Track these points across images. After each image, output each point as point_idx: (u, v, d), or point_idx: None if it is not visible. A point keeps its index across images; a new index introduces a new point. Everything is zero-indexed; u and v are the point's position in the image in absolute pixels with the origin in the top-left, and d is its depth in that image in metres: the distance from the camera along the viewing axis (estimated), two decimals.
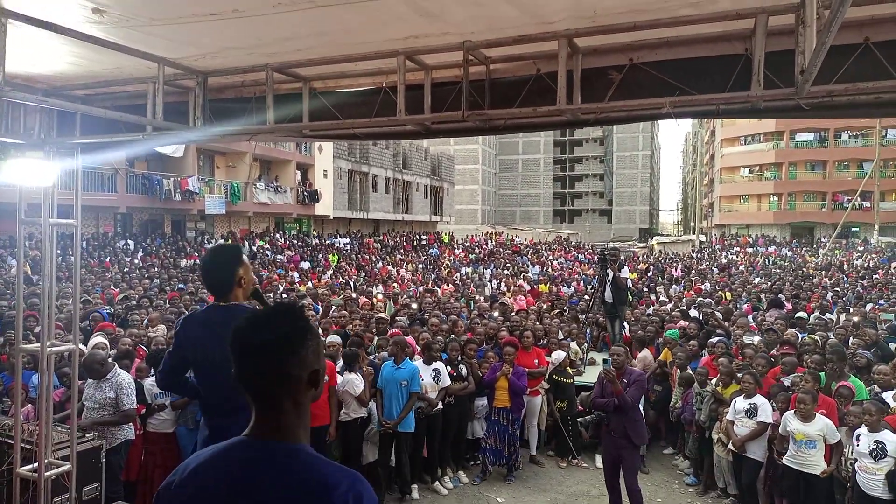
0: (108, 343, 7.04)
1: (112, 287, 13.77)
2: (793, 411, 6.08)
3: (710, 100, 3.43)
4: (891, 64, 3.29)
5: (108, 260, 18.91)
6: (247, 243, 26.42)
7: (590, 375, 9.16)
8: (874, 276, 23.39)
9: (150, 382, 6.71)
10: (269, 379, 1.56)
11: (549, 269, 29.23)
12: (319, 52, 3.98)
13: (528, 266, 29.79)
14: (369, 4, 2.85)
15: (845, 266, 28.78)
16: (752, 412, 6.61)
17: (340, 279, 21.70)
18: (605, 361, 6.78)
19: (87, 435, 5.58)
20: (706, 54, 3.72)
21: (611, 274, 10.35)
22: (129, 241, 22.45)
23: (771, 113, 3.59)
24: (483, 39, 3.68)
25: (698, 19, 3.30)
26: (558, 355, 8.49)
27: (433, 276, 25.35)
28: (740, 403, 6.73)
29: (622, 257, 12.18)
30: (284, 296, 14.05)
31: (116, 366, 6.15)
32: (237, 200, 28.19)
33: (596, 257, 16.25)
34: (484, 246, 39.88)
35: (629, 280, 12.00)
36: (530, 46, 3.82)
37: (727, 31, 3.55)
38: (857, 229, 49.10)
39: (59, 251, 17.01)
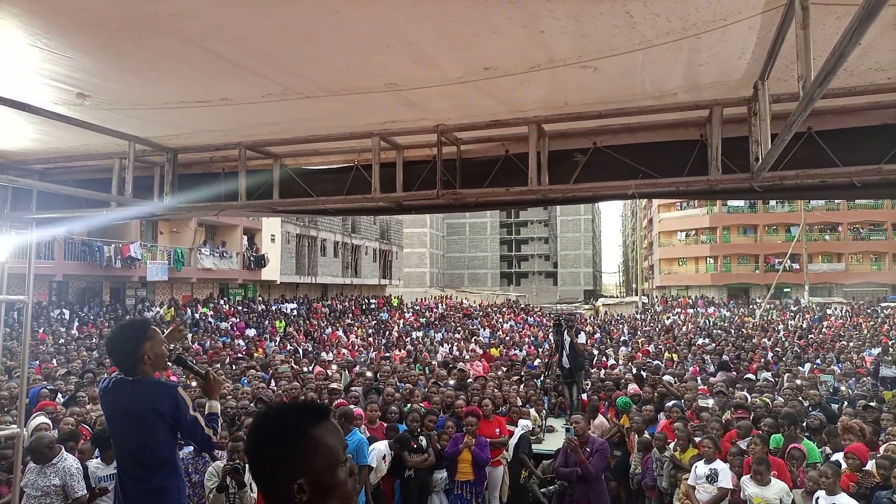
0: (50, 423, 6.62)
1: (50, 360, 13.04)
2: (748, 476, 6.20)
3: (672, 183, 3.65)
4: (832, 151, 3.59)
5: (42, 331, 17.95)
6: (189, 310, 25.60)
7: (548, 443, 9.15)
8: (809, 336, 24.42)
9: (94, 465, 6.32)
10: (266, 483, 1.53)
11: (500, 333, 29.33)
12: (294, 133, 4.05)
13: (478, 329, 29.83)
14: (356, 96, 2.95)
15: (781, 326, 30.00)
16: (712, 477, 6.69)
17: (288, 346, 21.19)
18: (566, 430, 6.79)
19: None
20: (664, 139, 3.98)
21: (568, 339, 10.48)
22: (64, 311, 21.43)
23: (726, 194, 3.84)
24: (456, 123, 3.84)
25: (658, 109, 3.54)
26: (525, 423, 8.48)
27: (384, 340, 25.05)
28: (701, 468, 6.81)
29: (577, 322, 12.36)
30: (233, 366, 13.60)
31: (63, 449, 5.78)
32: (181, 266, 27.43)
33: (551, 322, 16.39)
34: (434, 309, 39.81)
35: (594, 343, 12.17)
36: (499, 130, 4.01)
37: (684, 119, 3.81)
38: (789, 290, 51.55)
39: None
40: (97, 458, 6.42)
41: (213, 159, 4.79)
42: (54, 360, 13.28)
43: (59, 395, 8.79)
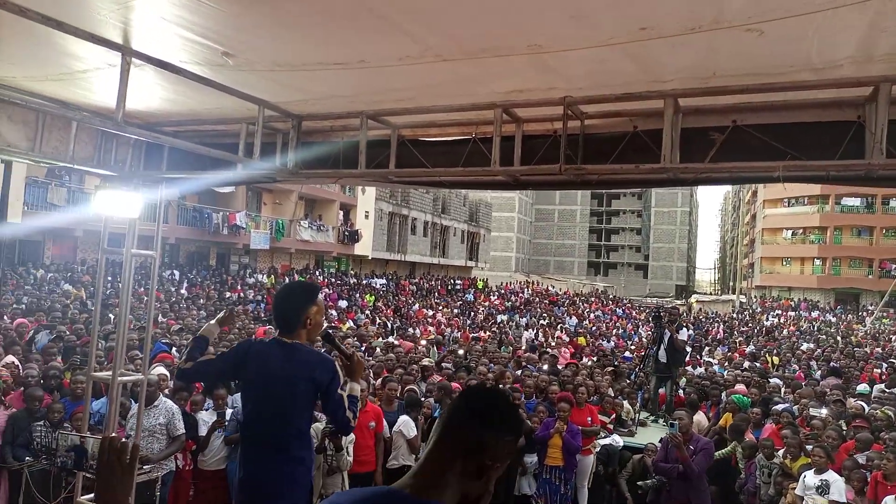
0: (168, 375, 7.06)
1: (162, 316, 13.95)
2: (893, 497, 5.67)
3: (823, 166, 3.34)
4: None
5: (156, 289, 19.23)
6: (287, 279, 26.71)
7: (640, 437, 8.92)
8: None
9: (205, 416, 6.69)
10: (462, 445, 1.54)
11: (587, 322, 28.77)
12: (417, 102, 4.02)
13: (564, 317, 29.40)
14: (492, 60, 2.86)
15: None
16: (823, 489, 6.23)
17: (377, 320, 21.70)
18: (670, 426, 6.53)
19: (144, 467, 5.57)
20: (813, 119, 3.64)
21: (668, 334, 10.08)
22: (174, 272, 22.86)
23: (885, 182, 3.48)
24: (584, 96, 3.67)
25: (816, 85, 3.23)
26: (616, 439, 8.43)
27: (469, 321, 25.17)
28: (810, 479, 6.36)
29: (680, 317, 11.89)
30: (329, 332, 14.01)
31: (161, 395, 6.17)
32: (281, 237, 28.71)
33: (642, 315, 15.88)
34: (520, 294, 39.58)
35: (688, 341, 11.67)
36: (629, 104, 3.80)
37: (839, 98, 3.47)
38: None
39: (109, 278, 17.40)
40: (208, 409, 6.79)
41: (332, 128, 4.86)
42: (166, 317, 14.18)
43: (174, 350, 9.36)
